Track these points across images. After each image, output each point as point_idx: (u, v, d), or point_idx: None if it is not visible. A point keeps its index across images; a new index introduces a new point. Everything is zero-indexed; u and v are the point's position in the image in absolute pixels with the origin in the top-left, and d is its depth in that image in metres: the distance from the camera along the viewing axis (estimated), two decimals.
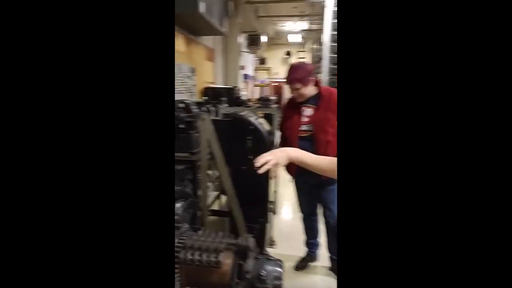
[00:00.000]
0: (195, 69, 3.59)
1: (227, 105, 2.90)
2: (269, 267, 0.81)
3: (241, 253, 0.82)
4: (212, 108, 2.81)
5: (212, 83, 4.67)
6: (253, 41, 5.76)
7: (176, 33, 3.12)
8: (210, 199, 2.25)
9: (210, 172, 2.41)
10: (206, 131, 1.35)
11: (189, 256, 0.77)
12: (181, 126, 2.35)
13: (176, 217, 0.87)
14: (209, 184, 2.31)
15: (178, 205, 0.93)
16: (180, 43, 3.29)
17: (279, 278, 0.80)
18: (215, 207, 2.48)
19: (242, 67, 5.96)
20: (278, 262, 0.84)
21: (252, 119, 1.84)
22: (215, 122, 1.76)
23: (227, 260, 0.81)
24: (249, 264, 0.80)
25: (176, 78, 3.00)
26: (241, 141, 1.80)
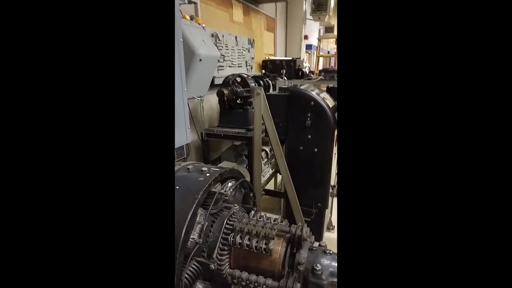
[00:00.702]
0: (254, 40, 3.48)
1: (285, 78, 2.74)
2: (326, 261, 0.72)
3: (294, 242, 0.75)
4: (271, 82, 2.70)
5: (272, 55, 4.50)
6: (320, 6, 5.17)
7: (235, 2, 3.01)
8: (265, 178, 2.22)
9: (266, 149, 2.37)
10: (259, 107, 1.26)
11: (238, 240, 0.73)
12: (238, 101, 2.34)
13: (226, 197, 0.83)
14: (264, 161, 2.27)
15: (229, 184, 0.89)
16: (238, 14, 3.19)
17: (336, 274, 0.70)
18: (271, 186, 2.45)
19: (306, 37, 5.58)
20: (336, 257, 0.73)
21: (314, 93, 1.66)
22: (270, 97, 1.64)
23: (278, 248, 0.75)
24: (302, 255, 0.72)
25: (234, 50, 2.95)
26: (299, 119, 1.65)
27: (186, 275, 0.69)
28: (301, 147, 1.67)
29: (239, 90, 2.22)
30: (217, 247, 0.73)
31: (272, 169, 2.44)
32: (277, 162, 1.47)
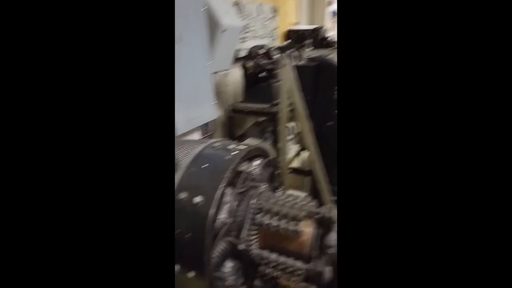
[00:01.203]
0: (277, 8, 3.27)
1: (312, 48, 2.58)
2: None
3: (323, 224, 0.72)
4: (296, 53, 2.56)
5: (296, 24, 4.26)
6: None
7: None
8: (290, 155, 2.17)
9: (291, 124, 2.29)
10: (286, 80, 1.18)
11: (266, 221, 0.71)
12: (261, 75, 2.25)
13: (253, 176, 0.81)
14: (290, 137, 2.22)
15: (256, 162, 0.86)
16: None
17: None
18: (297, 163, 2.40)
19: (330, 3, 5.22)
20: None
21: None
22: (297, 68, 1.54)
23: (307, 229, 0.72)
24: (332, 238, 0.69)
25: (256, 20, 2.80)
26: (328, 91, 1.56)
27: (215, 256, 0.69)
28: (330, 122, 1.59)
29: (263, 62, 2.13)
30: (245, 227, 0.72)
31: (298, 146, 2.38)
32: (304, 138, 1.41)
